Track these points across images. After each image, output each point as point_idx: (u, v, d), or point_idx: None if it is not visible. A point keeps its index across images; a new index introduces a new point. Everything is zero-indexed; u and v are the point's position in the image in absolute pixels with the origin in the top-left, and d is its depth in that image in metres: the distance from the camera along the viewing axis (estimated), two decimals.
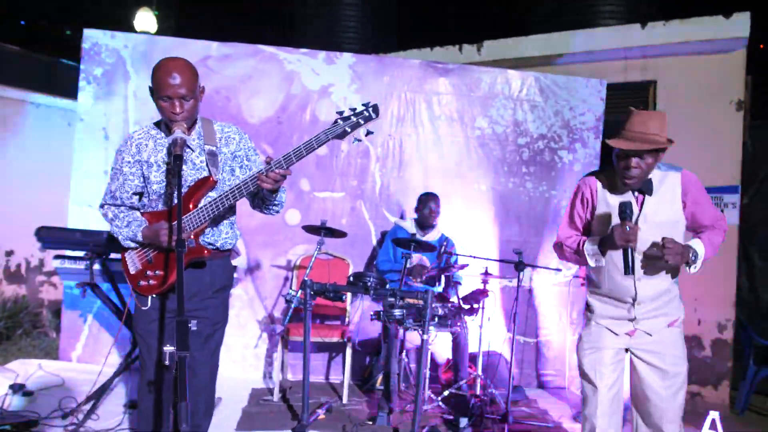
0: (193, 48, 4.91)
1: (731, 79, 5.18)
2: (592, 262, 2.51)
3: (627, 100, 5.28)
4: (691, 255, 2.42)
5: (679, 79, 5.29)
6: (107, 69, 4.85)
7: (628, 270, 2.34)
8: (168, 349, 2.05)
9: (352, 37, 6.62)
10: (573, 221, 2.64)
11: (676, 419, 2.51)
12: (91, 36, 4.85)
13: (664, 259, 2.36)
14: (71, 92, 4.96)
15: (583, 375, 2.60)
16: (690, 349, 5.22)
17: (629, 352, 2.57)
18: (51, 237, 3.78)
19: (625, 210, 2.36)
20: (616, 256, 2.46)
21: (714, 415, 3.45)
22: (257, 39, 5.20)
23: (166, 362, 2.07)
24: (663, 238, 2.37)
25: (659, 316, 2.51)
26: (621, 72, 5.38)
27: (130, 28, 6.33)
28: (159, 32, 7.02)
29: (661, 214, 2.47)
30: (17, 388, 3.94)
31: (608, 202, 2.51)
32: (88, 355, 4.72)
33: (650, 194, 2.46)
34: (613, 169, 2.51)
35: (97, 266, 3.79)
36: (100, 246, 3.73)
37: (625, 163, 2.37)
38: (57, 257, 3.91)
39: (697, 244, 2.46)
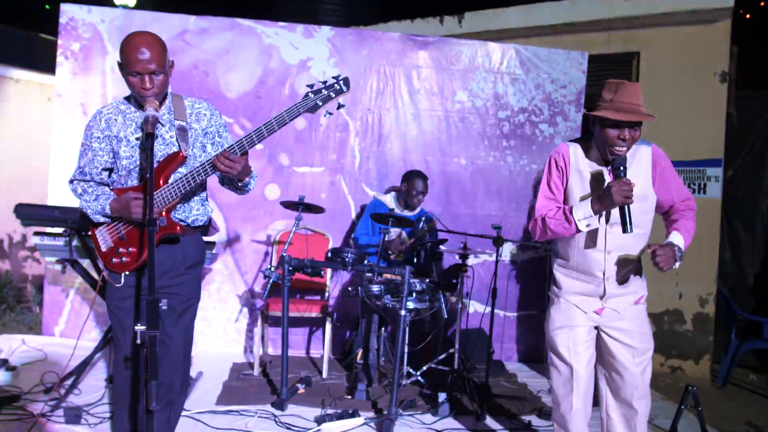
0: (170, 22, 4.87)
1: (715, 50, 5.13)
2: (583, 227, 2.37)
3: (610, 72, 5.23)
4: (677, 252, 2.36)
5: (662, 51, 5.23)
6: (84, 44, 4.82)
7: (627, 227, 2.29)
8: (139, 328, 2.05)
9: (332, 9, 6.53)
10: (551, 192, 2.56)
11: (647, 394, 2.51)
12: (68, 10, 4.80)
13: (657, 267, 2.32)
14: (51, 67, 4.92)
15: (557, 354, 2.55)
16: (671, 323, 5.28)
17: (598, 330, 2.54)
18: (30, 214, 3.78)
19: (619, 167, 2.31)
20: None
21: (693, 390, 3.42)
22: (237, 13, 5.15)
23: (138, 341, 2.08)
24: (650, 246, 2.34)
25: (627, 294, 2.49)
26: (604, 43, 5.32)
27: (108, 2, 6.26)
28: (138, 6, 6.93)
29: (635, 182, 2.42)
30: (1, 364, 3.98)
31: (581, 172, 2.47)
32: (71, 330, 4.76)
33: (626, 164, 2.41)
34: (586, 140, 2.48)
35: (76, 242, 3.81)
36: (78, 222, 3.74)
37: (620, 134, 2.31)
38: (37, 234, 3.92)
39: (677, 239, 2.40)
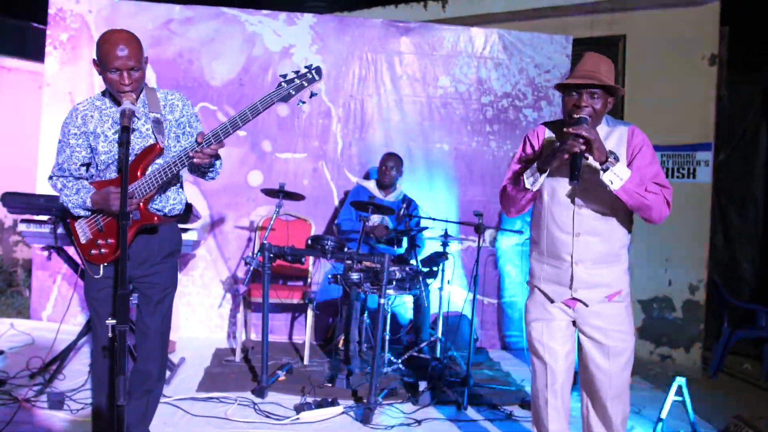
0: (155, 11, 4.95)
1: (704, 32, 5.04)
2: (529, 184, 2.31)
3: None
4: (610, 156, 2.20)
5: (649, 34, 5.16)
6: (72, 34, 4.91)
7: (575, 177, 2.19)
8: (110, 322, 2.07)
9: None
10: (517, 163, 2.50)
11: (622, 395, 2.43)
12: (57, 1, 4.91)
13: (569, 142, 2.17)
14: (42, 56, 5.01)
15: (533, 349, 2.49)
16: (660, 310, 5.20)
17: (576, 326, 2.47)
18: (16, 202, 3.85)
19: (580, 120, 2.21)
20: (555, 208, 2.37)
21: (681, 381, 3.32)
22: (221, 1, 5.21)
23: (109, 334, 2.11)
24: (576, 119, 2.23)
25: (599, 286, 2.38)
26: (588, 27, 5.27)
27: None
28: None
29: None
30: None
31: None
32: (58, 315, 4.83)
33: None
34: (563, 122, 2.43)
35: (61, 230, 3.88)
36: (62, 210, 3.80)
37: (576, 101, 2.26)
38: (23, 221, 4.00)
39: (623, 168, 2.23)
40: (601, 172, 2.21)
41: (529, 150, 2.48)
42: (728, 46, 5.22)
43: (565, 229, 2.37)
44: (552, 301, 2.44)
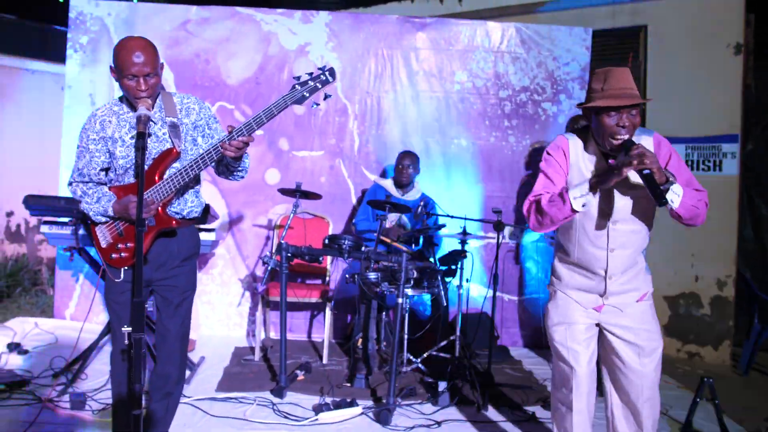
0: (172, 13, 4.99)
1: (729, 21, 4.90)
2: (578, 205, 2.19)
3: (615, 47, 5.08)
4: (669, 175, 2.14)
5: (671, 23, 5.03)
6: (92, 37, 4.99)
7: (661, 199, 2.06)
8: (126, 329, 2.10)
9: None
10: (550, 180, 2.39)
11: (654, 397, 2.39)
12: (77, 5, 4.99)
13: (634, 162, 2.09)
14: (63, 58, 5.10)
15: (556, 352, 2.46)
16: (687, 307, 5.07)
17: (600, 327, 2.43)
18: (38, 205, 3.92)
19: (631, 143, 2.15)
20: (588, 224, 2.32)
21: (709, 381, 3.24)
22: (236, 1, 5.23)
23: (124, 343, 2.13)
24: (627, 141, 2.17)
25: (630, 291, 2.37)
26: (609, 18, 5.15)
27: None
28: None
29: (635, 179, 2.25)
30: (13, 347, 4.13)
31: (580, 169, 2.35)
32: (81, 313, 4.91)
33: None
34: (584, 133, 2.37)
35: (82, 231, 3.93)
36: (83, 213, 3.86)
37: (618, 121, 2.19)
38: (45, 223, 4.06)
39: (678, 185, 2.17)
40: (660, 203, 2.11)
41: (557, 166, 2.39)
42: (754, 33, 5.08)
43: (599, 244, 2.33)
44: (585, 308, 2.40)
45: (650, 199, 2.16)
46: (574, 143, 2.37)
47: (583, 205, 2.21)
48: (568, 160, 2.36)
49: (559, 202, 2.24)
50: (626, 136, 2.20)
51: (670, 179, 2.13)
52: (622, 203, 2.29)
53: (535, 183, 2.42)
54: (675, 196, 2.14)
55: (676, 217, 2.22)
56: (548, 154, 2.41)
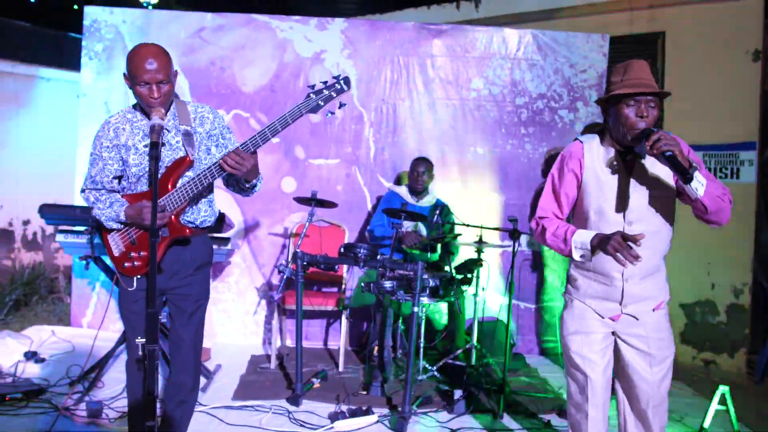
0: (187, 20, 4.99)
1: (747, 27, 4.86)
2: (576, 255, 2.25)
3: (632, 53, 4.98)
4: (691, 161, 2.09)
5: (689, 30, 5.00)
6: (107, 45, 4.98)
7: (688, 174, 2.05)
8: (139, 341, 2.10)
9: None
10: (556, 195, 2.41)
11: (662, 404, 2.39)
12: (91, 13, 4.99)
13: (655, 146, 2.08)
14: (78, 65, 5.10)
15: (571, 362, 2.44)
16: (703, 314, 5.05)
17: (615, 336, 2.41)
18: (53, 213, 3.94)
19: (650, 131, 2.14)
20: (603, 225, 2.30)
21: (724, 389, 3.24)
22: (252, 8, 5.21)
23: (139, 353, 2.12)
24: (646, 129, 2.17)
25: (647, 299, 2.34)
26: (626, 24, 5.12)
27: (131, 2, 6.44)
28: (161, 4, 7.12)
29: (651, 177, 2.29)
30: (30, 356, 4.13)
31: (597, 175, 2.32)
32: (97, 321, 4.93)
33: (642, 157, 2.27)
34: (601, 133, 2.35)
35: (97, 239, 3.93)
36: (98, 221, 3.86)
37: (637, 111, 2.19)
38: (61, 232, 4.07)
39: (699, 173, 2.15)
40: (687, 180, 2.09)
41: (567, 178, 2.38)
42: None
43: None
44: (602, 317, 2.37)
45: (668, 198, 2.21)
46: (589, 145, 2.36)
47: (581, 257, 2.26)
48: (583, 166, 2.34)
49: (562, 242, 2.31)
50: (645, 126, 2.19)
51: (694, 165, 2.11)
52: (637, 202, 2.26)
53: (544, 189, 2.45)
54: (699, 184, 2.11)
55: (701, 210, 2.18)
56: (561, 164, 2.41)
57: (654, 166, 2.26)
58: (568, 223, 2.39)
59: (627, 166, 2.29)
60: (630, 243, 2.10)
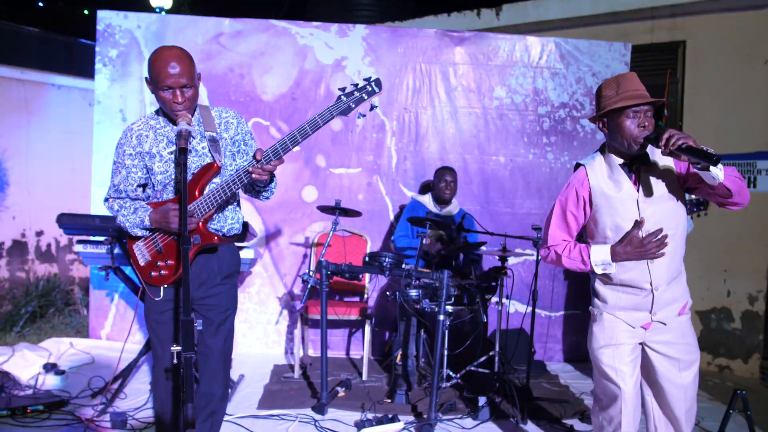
0: (204, 25, 4.89)
1: (766, 37, 4.88)
2: (599, 271, 2.33)
3: (654, 62, 5.05)
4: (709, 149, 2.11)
5: (709, 39, 5.02)
6: (122, 50, 4.86)
7: (712, 158, 2.05)
8: (175, 348, 2.05)
9: (367, 4, 6.45)
10: (566, 222, 2.45)
11: (693, 408, 2.43)
12: (105, 17, 4.85)
13: (670, 143, 2.11)
14: (90, 72, 4.98)
15: (603, 374, 2.45)
16: (719, 321, 5.12)
17: (642, 345, 2.44)
18: (72, 224, 3.86)
19: (661, 129, 2.20)
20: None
21: (742, 394, 3.22)
22: (271, 14, 5.13)
23: (174, 360, 2.08)
24: (651, 134, 2.23)
25: (672, 303, 2.39)
26: (648, 33, 5.13)
27: (144, 7, 6.32)
28: (174, 9, 6.99)
29: (658, 182, 2.33)
30: (49, 368, 4.08)
31: (607, 196, 2.35)
32: (116, 333, 4.86)
33: (648, 163, 2.33)
34: (600, 154, 2.39)
35: (117, 250, 3.87)
36: (118, 230, 3.80)
37: (639, 122, 2.24)
38: (80, 242, 4.00)
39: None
40: (715, 162, 2.10)
41: (574, 206, 2.42)
42: None
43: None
44: (633, 327, 2.40)
45: (678, 198, 2.28)
46: (591, 166, 2.41)
47: (604, 269, 2.34)
48: (591, 188, 2.38)
49: (580, 263, 2.38)
50: (647, 134, 2.25)
51: (710, 151, 2.13)
52: (651, 209, 2.30)
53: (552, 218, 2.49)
54: (717, 169, 2.13)
55: (724, 194, 2.19)
56: (568, 192, 2.44)
57: (657, 170, 2.31)
58: (578, 243, 2.44)
59: (633, 177, 2.34)
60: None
